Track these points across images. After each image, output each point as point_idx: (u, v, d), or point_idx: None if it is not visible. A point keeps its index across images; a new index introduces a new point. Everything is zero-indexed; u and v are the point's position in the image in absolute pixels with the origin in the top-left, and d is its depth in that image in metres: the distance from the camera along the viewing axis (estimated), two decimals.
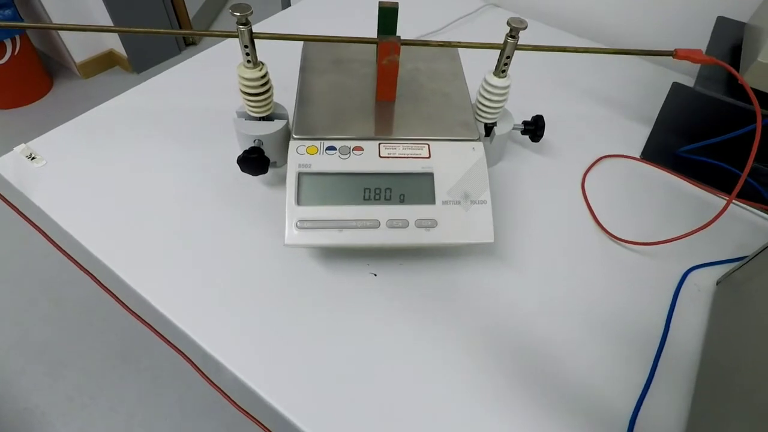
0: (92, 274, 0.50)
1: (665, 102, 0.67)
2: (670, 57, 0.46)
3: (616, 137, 0.62)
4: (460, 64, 0.52)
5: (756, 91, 0.46)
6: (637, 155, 0.60)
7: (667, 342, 0.43)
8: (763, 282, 0.40)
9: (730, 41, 0.59)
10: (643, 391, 0.39)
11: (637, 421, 0.38)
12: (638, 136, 0.62)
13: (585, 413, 0.38)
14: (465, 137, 0.44)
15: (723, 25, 0.62)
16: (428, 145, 0.43)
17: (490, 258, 0.48)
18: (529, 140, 0.56)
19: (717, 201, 0.55)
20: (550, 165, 0.57)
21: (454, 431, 0.37)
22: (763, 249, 0.43)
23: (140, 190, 0.51)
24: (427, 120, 0.45)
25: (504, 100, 0.48)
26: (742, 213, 0.54)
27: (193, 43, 2.21)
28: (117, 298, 0.50)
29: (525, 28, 0.42)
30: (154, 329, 0.49)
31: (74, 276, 1.35)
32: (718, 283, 0.47)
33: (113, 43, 2.01)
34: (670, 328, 0.43)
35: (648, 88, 0.70)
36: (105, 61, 2.06)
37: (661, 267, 0.48)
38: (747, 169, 0.44)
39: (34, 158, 0.52)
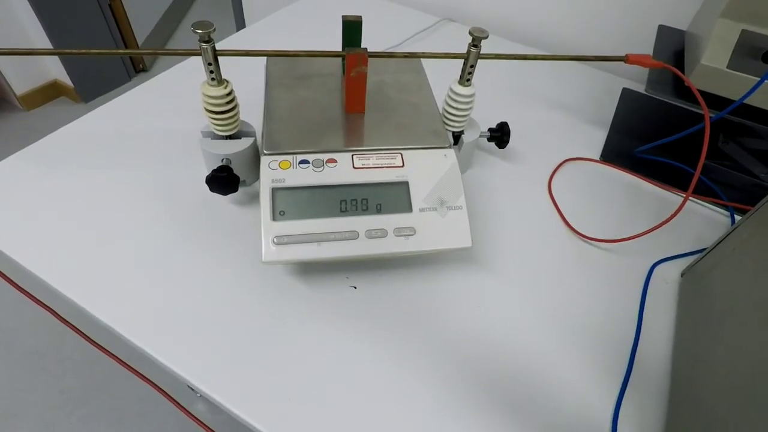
0: (54, 311, 0.46)
1: (618, 106, 0.70)
2: (620, 64, 0.48)
3: (576, 141, 0.64)
4: (425, 75, 0.53)
5: (701, 92, 0.49)
6: (597, 157, 0.62)
7: (641, 331, 0.44)
8: (723, 270, 0.42)
9: (673, 47, 0.63)
10: (623, 384, 0.40)
11: (620, 412, 0.38)
12: (596, 139, 0.65)
13: (566, 414, 0.38)
14: (436, 145, 0.44)
15: (664, 32, 0.66)
16: (401, 154, 0.43)
17: (468, 263, 0.48)
18: (496, 147, 0.57)
19: (674, 197, 0.58)
20: (518, 170, 0.59)
21: None
22: (721, 241, 0.45)
23: (102, 218, 0.48)
24: (398, 130, 0.46)
25: (470, 108, 0.49)
26: (698, 208, 0.57)
27: (144, 70, 2.15)
28: (82, 333, 0.47)
29: (486, 38, 0.44)
30: (124, 363, 0.46)
31: (24, 321, 1.27)
32: (682, 274, 0.49)
33: (57, 72, 1.93)
34: (643, 319, 0.45)
35: (601, 94, 0.74)
36: (49, 92, 1.98)
37: (629, 262, 0.50)
38: (699, 168, 0.47)
39: None
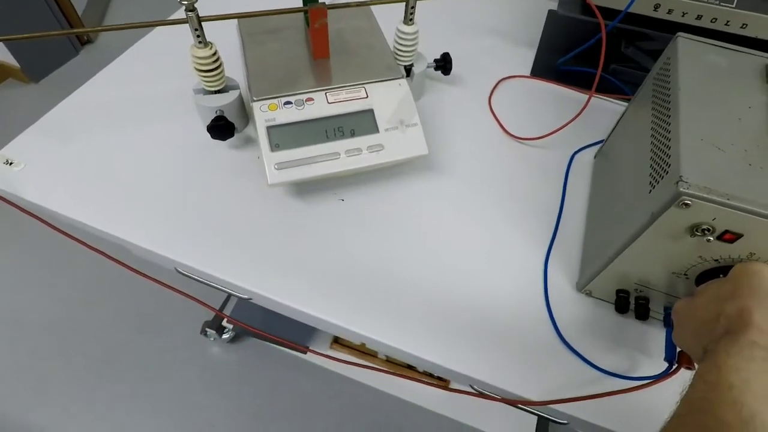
0: (101, 251, 0.57)
1: (544, 27, 0.81)
2: None
3: (509, 62, 0.75)
4: (375, 19, 0.62)
5: (601, 8, 0.61)
6: (528, 74, 0.74)
7: (565, 201, 0.58)
8: (617, 145, 0.56)
9: None
10: (552, 237, 0.54)
11: (550, 255, 0.53)
12: (527, 58, 0.76)
13: (511, 260, 0.53)
14: (391, 77, 0.55)
15: None
16: (364, 88, 0.54)
17: (428, 171, 0.60)
18: (442, 75, 0.68)
19: (593, 99, 0.70)
20: (462, 92, 0.70)
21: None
22: (616, 125, 0.58)
23: (124, 169, 0.57)
24: (359, 68, 0.56)
25: (416, 44, 0.59)
26: (610, 105, 0.70)
27: (90, 41, 2.11)
28: (128, 266, 0.58)
29: None
30: (168, 285, 0.57)
31: (37, 293, 1.35)
32: (595, 157, 0.62)
33: (0, 53, 1.88)
34: (566, 192, 0.59)
35: (533, 17, 0.84)
36: None
37: (555, 154, 0.63)
38: (599, 69, 0.59)
39: (11, 163, 0.57)
